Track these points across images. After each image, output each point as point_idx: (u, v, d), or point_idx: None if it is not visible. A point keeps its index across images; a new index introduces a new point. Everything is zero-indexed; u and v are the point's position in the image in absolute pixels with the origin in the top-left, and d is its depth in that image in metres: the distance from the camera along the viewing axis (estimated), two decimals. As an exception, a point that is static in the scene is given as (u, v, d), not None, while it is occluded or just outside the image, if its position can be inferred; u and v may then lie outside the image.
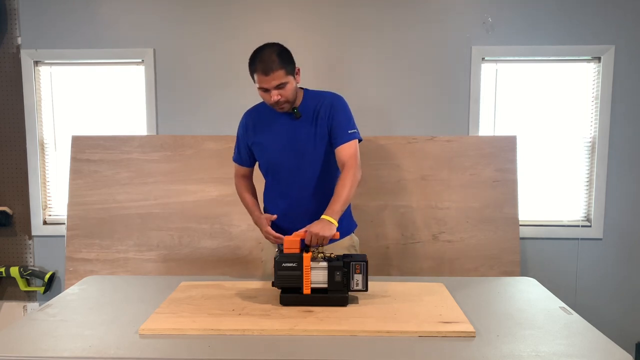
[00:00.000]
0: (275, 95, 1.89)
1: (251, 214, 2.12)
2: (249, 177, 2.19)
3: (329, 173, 2.00)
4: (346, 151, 1.96)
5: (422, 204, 2.78)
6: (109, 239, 2.80)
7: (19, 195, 3.10)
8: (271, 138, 2.03)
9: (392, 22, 2.90)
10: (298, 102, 2.02)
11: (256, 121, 2.07)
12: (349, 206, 2.13)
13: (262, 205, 2.16)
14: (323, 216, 1.80)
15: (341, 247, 2.04)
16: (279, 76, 1.86)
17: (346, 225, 2.05)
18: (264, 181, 2.15)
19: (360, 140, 2.02)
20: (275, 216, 2.04)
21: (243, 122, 2.11)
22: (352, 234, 2.16)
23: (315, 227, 1.74)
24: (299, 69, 1.97)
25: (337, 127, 1.97)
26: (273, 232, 1.99)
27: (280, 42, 1.94)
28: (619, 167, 2.92)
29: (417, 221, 2.77)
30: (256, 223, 2.09)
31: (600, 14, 2.85)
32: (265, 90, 1.90)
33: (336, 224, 1.79)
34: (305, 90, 2.06)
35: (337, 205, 1.84)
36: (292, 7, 2.92)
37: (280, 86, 1.88)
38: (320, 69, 2.93)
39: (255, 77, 1.89)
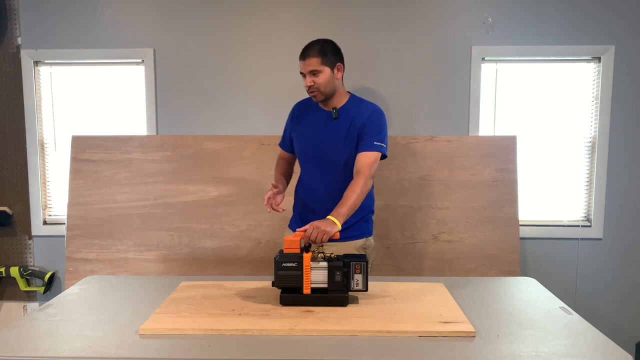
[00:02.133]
0: (308, 81, 2.00)
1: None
2: (288, 161, 2.27)
3: (348, 181, 1.98)
4: (365, 159, 1.98)
5: (422, 204, 2.78)
6: (109, 239, 2.80)
7: (19, 195, 3.10)
8: (307, 131, 2.12)
9: (391, 22, 2.90)
10: (340, 104, 2.08)
11: (301, 112, 2.18)
12: (370, 213, 2.15)
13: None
14: (328, 217, 1.81)
15: (353, 247, 2.06)
16: (313, 63, 1.98)
17: (358, 228, 2.08)
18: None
19: (384, 157, 2.04)
20: (284, 209, 2.03)
21: (292, 110, 2.23)
22: (370, 238, 2.16)
23: (318, 222, 1.76)
24: (340, 65, 2.05)
25: (366, 134, 2.01)
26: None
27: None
28: (619, 167, 2.92)
29: (417, 221, 2.77)
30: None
31: (600, 14, 2.84)
32: (303, 75, 2.02)
33: (339, 226, 1.80)
34: (352, 95, 2.13)
35: (344, 208, 1.85)
36: (291, 8, 2.91)
37: (314, 72, 1.98)
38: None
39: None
